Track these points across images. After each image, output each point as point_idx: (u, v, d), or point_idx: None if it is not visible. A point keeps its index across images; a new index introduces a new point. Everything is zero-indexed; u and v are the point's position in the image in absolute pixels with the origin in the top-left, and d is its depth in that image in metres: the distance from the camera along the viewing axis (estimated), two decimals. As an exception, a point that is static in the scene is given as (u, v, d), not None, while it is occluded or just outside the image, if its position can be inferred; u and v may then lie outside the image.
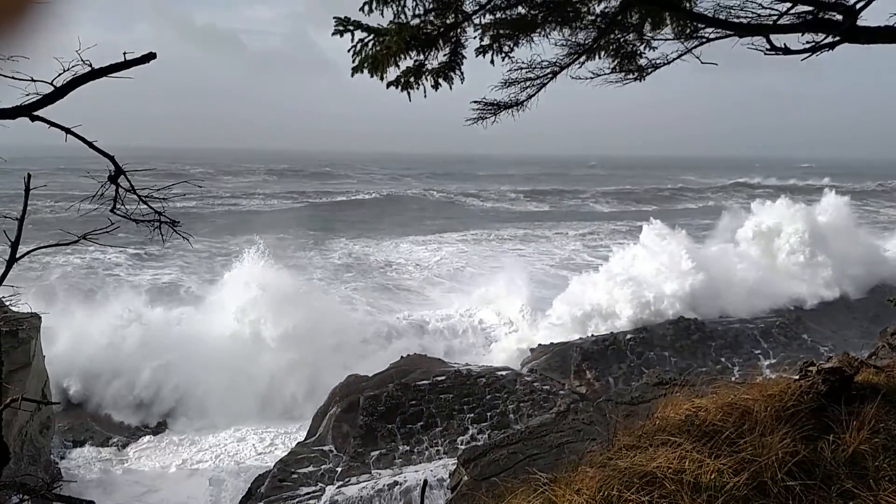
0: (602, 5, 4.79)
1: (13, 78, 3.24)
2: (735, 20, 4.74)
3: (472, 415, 18.50)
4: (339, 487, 15.52)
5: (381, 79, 4.61)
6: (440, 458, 16.69)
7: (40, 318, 16.11)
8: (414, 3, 4.44)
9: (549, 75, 5.31)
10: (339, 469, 16.37)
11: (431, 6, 4.50)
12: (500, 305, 27.44)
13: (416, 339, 25.11)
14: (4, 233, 4.43)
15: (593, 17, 4.86)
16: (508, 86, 5.36)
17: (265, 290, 23.98)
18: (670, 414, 4.81)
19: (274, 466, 16.44)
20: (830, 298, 28.56)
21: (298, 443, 18.07)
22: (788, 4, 4.63)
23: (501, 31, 4.79)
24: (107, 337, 22.05)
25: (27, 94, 3.42)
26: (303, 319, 23.37)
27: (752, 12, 4.70)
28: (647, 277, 26.51)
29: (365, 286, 32.82)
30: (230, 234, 46.03)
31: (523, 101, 5.47)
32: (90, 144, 3.77)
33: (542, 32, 4.87)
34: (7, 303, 6.94)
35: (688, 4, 4.80)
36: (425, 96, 4.93)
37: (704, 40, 4.96)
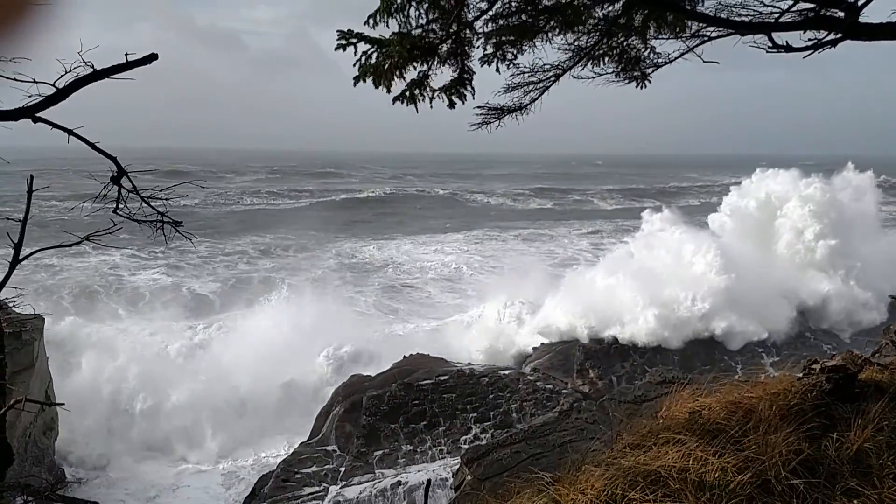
0: (605, 9, 4.79)
1: (15, 80, 3.24)
2: (736, 18, 4.73)
3: (475, 414, 18.50)
4: (342, 487, 15.54)
5: (388, 90, 4.63)
6: (443, 458, 16.70)
7: (43, 319, 16.14)
8: (417, 14, 4.45)
9: (553, 78, 5.31)
10: (342, 469, 16.38)
11: (434, 16, 4.51)
12: (503, 305, 27.38)
13: (418, 340, 25.09)
14: (7, 234, 4.44)
15: (595, 21, 4.85)
16: (512, 90, 5.35)
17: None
18: (674, 413, 4.81)
19: (277, 466, 16.46)
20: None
21: (302, 443, 18.09)
22: (790, 2, 4.62)
23: (504, 39, 4.80)
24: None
25: (29, 96, 3.42)
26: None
27: (754, 10, 4.69)
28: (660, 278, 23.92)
29: (367, 286, 32.83)
30: (233, 234, 46.12)
31: (527, 105, 5.47)
32: (92, 146, 3.77)
33: (545, 38, 4.87)
34: (10, 304, 6.94)
35: (689, 4, 4.79)
36: (431, 107, 4.94)
37: (706, 39, 4.95)
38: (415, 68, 4.70)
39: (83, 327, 23.16)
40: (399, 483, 15.27)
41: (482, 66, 4.91)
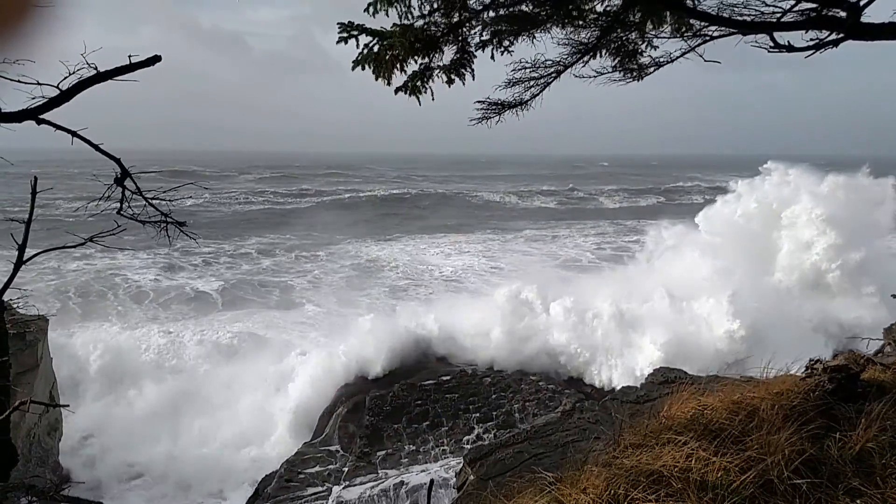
0: (604, 4, 4.79)
1: (19, 81, 3.26)
2: (738, 18, 4.73)
3: (477, 414, 18.50)
4: (345, 487, 15.55)
5: (388, 83, 4.61)
6: (446, 458, 16.71)
7: (47, 320, 16.17)
8: (419, 3, 4.43)
9: (553, 74, 5.31)
10: (345, 469, 16.39)
11: (437, 5, 4.49)
12: (505, 304, 27.27)
13: (421, 339, 25.00)
14: (11, 236, 4.46)
15: (595, 16, 4.85)
16: (512, 85, 5.35)
17: None
18: (676, 412, 4.81)
19: (280, 466, 16.47)
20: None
21: (305, 443, 18.10)
22: (792, 2, 4.62)
23: (503, 28, 4.79)
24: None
25: (33, 98, 3.44)
26: None
27: (756, 10, 4.69)
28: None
29: (371, 287, 32.83)
30: (237, 235, 46.19)
31: (527, 101, 5.46)
32: (96, 147, 3.79)
33: (545, 29, 4.86)
34: (15, 305, 6.98)
35: (690, 2, 4.79)
36: (433, 99, 4.93)
37: (707, 38, 4.95)
38: (415, 61, 4.69)
39: (87, 328, 23.22)
40: (402, 483, 15.28)
41: (476, 50, 4.89)
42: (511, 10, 4.70)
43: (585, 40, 5.05)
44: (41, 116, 3.50)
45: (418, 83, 4.84)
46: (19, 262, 4.32)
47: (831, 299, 22.64)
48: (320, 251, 41.19)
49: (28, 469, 13.51)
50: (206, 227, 47.32)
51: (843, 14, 4.54)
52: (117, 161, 4.00)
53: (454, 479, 8.54)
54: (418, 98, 4.88)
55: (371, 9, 4.38)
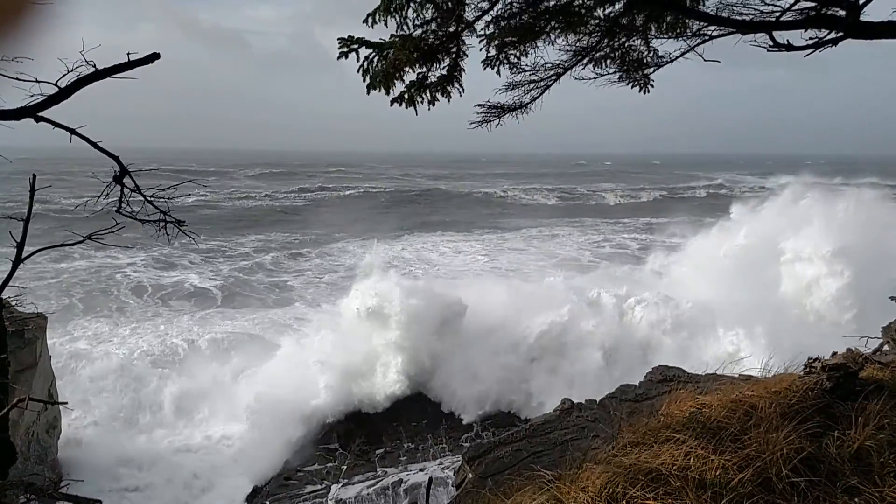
0: (606, 9, 4.79)
1: (17, 79, 3.25)
2: (737, 17, 4.74)
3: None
4: (343, 485, 15.56)
5: (388, 93, 4.63)
6: (444, 456, 16.73)
7: (46, 318, 16.15)
8: (415, 14, 4.45)
9: (553, 77, 5.32)
10: (343, 467, 16.41)
11: (433, 16, 4.51)
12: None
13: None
14: (10, 234, 4.46)
15: (597, 22, 4.86)
16: (512, 88, 5.36)
17: None
18: (675, 411, 4.81)
19: (280, 465, 16.49)
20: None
21: (302, 440, 18.10)
22: (791, 1, 4.62)
23: (507, 41, 4.80)
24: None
25: (32, 95, 3.44)
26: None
27: (755, 9, 4.69)
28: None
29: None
30: (238, 233, 46.17)
31: (527, 104, 5.47)
32: (95, 145, 3.79)
33: (547, 39, 4.87)
34: (13, 303, 6.97)
35: (691, 3, 4.80)
36: (429, 110, 4.95)
37: (707, 38, 4.95)
38: (414, 71, 4.71)
39: (86, 327, 23.20)
40: (400, 481, 15.29)
41: (485, 68, 4.92)
42: (510, 22, 4.71)
43: (587, 46, 5.06)
44: (40, 114, 3.50)
45: (414, 93, 4.85)
46: (18, 260, 4.32)
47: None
48: (319, 249, 41.17)
49: (27, 467, 13.51)
50: (206, 224, 47.27)
51: (842, 13, 4.54)
52: (116, 159, 4.00)
53: (453, 478, 8.54)
54: (415, 108, 4.89)
55: (370, 19, 4.41)
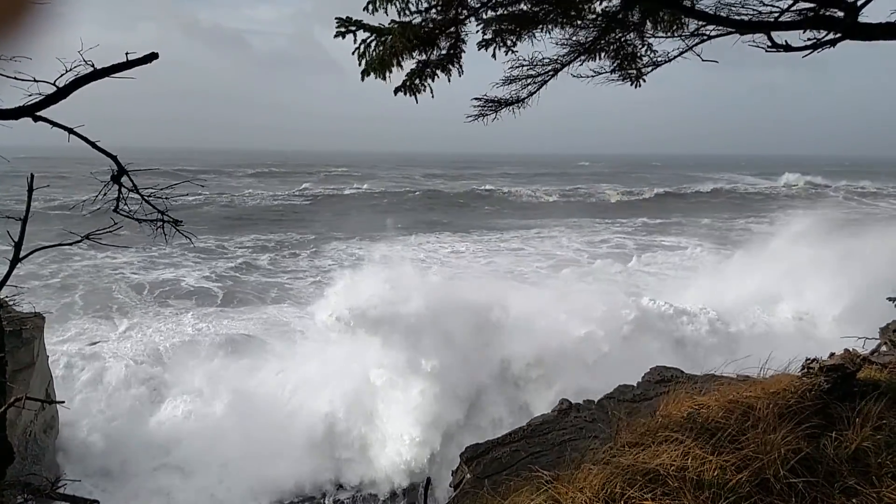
0: (603, 4, 4.79)
1: (15, 78, 3.25)
2: (736, 17, 4.74)
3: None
4: (339, 487, 15.58)
5: (384, 79, 4.61)
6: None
7: (44, 317, 16.12)
8: (417, 0, 4.43)
9: (551, 72, 5.31)
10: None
11: (434, 2, 4.50)
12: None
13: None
14: (8, 233, 4.45)
15: (594, 16, 4.86)
16: (510, 83, 5.36)
17: None
18: (673, 411, 4.82)
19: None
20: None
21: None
22: (789, 1, 4.63)
23: (504, 26, 4.79)
24: None
25: (30, 95, 3.43)
26: None
27: (753, 9, 4.69)
28: None
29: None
30: (236, 232, 46.14)
31: (524, 98, 5.47)
32: (93, 144, 3.78)
33: (544, 28, 4.86)
34: (11, 302, 6.97)
35: (689, 2, 4.80)
36: (433, 97, 4.94)
37: (705, 38, 4.95)
38: (414, 58, 4.70)
39: (85, 326, 23.18)
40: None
41: (479, 49, 4.89)
42: (509, 9, 4.70)
43: (583, 40, 5.05)
44: (38, 113, 3.49)
45: (416, 81, 4.84)
46: (15, 260, 4.31)
47: None
48: (317, 249, 41.15)
49: (24, 466, 13.48)
50: (204, 223, 47.22)
51: (840, 14, 4.55)
52: (114, 158, 3.99)
53: (451, 478, 8.54)
54: (416, 96, 4.88)
55: (370, 6, 4.39)
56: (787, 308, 22.50)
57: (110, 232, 4.35)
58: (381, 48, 4.48)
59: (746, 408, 4.57)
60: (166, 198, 4.23)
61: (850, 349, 5.93)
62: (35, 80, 3.36)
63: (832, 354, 5.57)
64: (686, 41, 5.02)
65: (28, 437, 14.52)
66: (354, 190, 78.57)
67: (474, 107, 5.47)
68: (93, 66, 3.44)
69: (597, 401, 8.56)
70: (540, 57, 5.17)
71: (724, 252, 35.07)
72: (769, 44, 4.77)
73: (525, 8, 4.71)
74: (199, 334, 23.59)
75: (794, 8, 4.64)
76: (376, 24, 4.47)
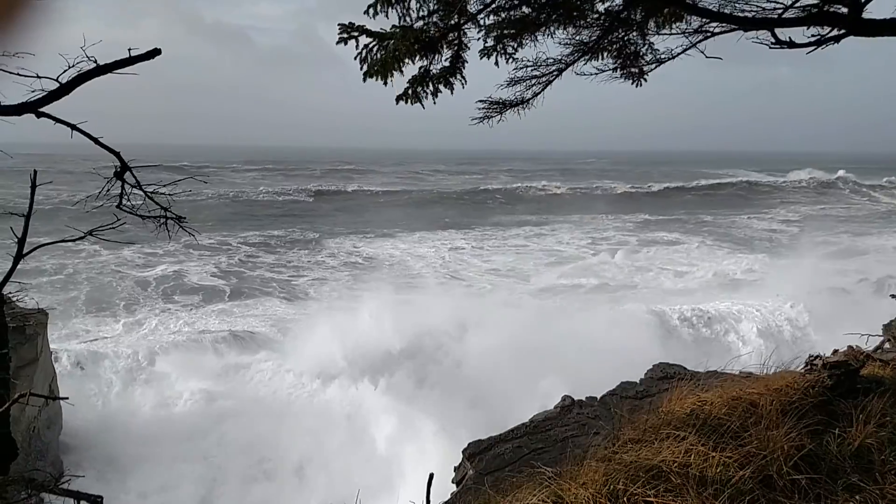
0: (605, 3, 4.78)
1: (18, 74, 3.25)
2: (740, 14, 4.73)
3: (477, 409, 18.44)
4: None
5: (385, 83, 4.61)
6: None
7: (47, 314, 16.16)
8: (418, 5, 4.43)
9: (555, 73, 5.30)
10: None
11: (435, 7, 4.49)
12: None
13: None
14: (11, 229, 4.46)
15: (597, 16, 4.84)
16: (514, 84, 5.34)
17: None
18: (675, 408, 4.81)
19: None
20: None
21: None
22: (793, -2, 4.61)
23: (505, 32, 4.78)
24: None
25: (32, 91, 3.43)
26: None
27: (757, 6, 4.68)
28: None
29: (374, 281, 32.75)
30: (241, 228, 46.15)
31: (529, 100, 5.45)
32: (96, 141, 3.78)
33: (546, 31, 4.85)
34: (14, 298, 6.97)
35: (692, -1, 4.79)
36: (434, 103, 4.93)
37: (709, 35, 4.94)
38: (415, 63, 4.69)
39: (88, 322, 23.23)
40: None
41: (482, 58, 4.89)
42: (510, 14, 4.69)
43: (586, 40, 5.04)
44: (40, 110, 3.50)
45: (419, 88, 4.83)
46: (19, 256, 4.32)
47: None
48: (321, 245, 41.15)
49: (28, 462, 13.52)
50: (208, 220, 47.21)
51: (844, 10, 4.54)
52: (117, 155, 3.99)
53: (453, 474, 8.56)
54: (422, 103, 4.88)
55: (371, 10, 4.39)
56: (787, 306, 22.65)
57: (114, 228, 4.35)
58: (382, 52, 4.48)
59: (749, 404, 4.56)
60: (170, 194, 4.23)
61: (854, 346, 5.92)
62: (38, 77, 3.36)
63: (835, 351, 5.56)
64: (690, 38, 5.00)
65: (31, 433, 14.56)
66: (358, 186, 78.49)
67: (479, 109, 5.45)
68: (95, 62, 3.44)
69: (599, 397, 8.56)
70: (544, 57, 5.15)
71: (725, 248, 35.12)
72: (773, 40, 4.76)
73: (526, 12, 4.70)
74: (204, 330, 23.64)
75: (797, 4, 4.63)
76: (378, 30, 4.48)
